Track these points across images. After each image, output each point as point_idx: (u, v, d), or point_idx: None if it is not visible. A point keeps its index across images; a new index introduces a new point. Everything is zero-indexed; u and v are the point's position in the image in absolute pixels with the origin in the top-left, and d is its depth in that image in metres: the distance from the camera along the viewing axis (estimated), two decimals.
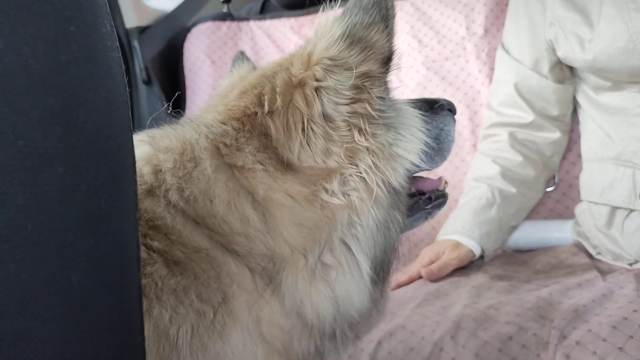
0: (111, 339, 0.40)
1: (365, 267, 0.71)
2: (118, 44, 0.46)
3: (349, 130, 0.70)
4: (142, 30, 2.16)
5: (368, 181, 0.70)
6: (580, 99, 1.60)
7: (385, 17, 0.71)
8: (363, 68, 0.70)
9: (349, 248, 0.70)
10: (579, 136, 1.66)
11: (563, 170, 1.72)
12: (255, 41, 2.28)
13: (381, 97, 0.72)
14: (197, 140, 0.69)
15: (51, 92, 0.38)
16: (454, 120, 0.94)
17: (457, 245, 1.49)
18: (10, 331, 0.32)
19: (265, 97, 0.72)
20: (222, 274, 0.63)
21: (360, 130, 0.70)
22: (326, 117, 0.70)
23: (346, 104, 0.70)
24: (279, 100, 0.71)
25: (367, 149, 0.70)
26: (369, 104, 0.71)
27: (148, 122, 0.80)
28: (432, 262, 1.49)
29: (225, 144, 0.69)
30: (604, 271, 1.37)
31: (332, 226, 0.68)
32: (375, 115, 0.71)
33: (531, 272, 1.47)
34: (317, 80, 0.70)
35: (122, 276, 0.42)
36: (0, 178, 0.33)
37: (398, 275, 1.52)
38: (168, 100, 2.15)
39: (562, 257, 1.51)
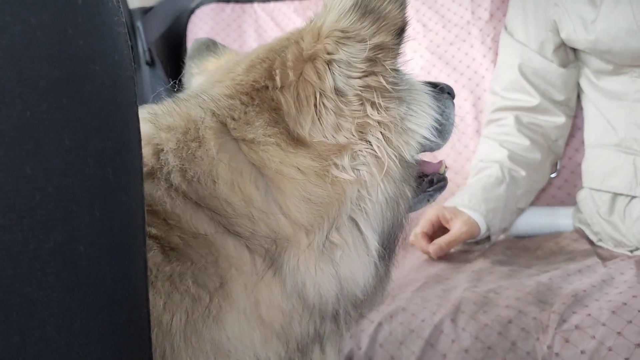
0: (118, 311, 0.40)
1: (374, 243, 0.70)
2: (124, 20, 0.46)
3: (361, 104, 0.69)
4: (145, 11, 2.15)
5: (379, 155, 0.69)
6: (583, 84, 1.60)
7: None
8: (376, 40, 0.68)
9: (357, 224, 0.69)
10: (582, 122, 1.66)
11: (566, 156, 1.72)
12: (259, 23, 2.27)
13: (395, 70, 0.71)
14: (203, 119, 0.67)
15: (57, 63, 0.38)
16: (454, 105, 0.93)
17: (467, 219, 1.48)
18: (19, 298, 0.32)
19: (277, 71, 0.70)
20: (221, 258, 0.62)
21: (373, 104, 0.69)
22: (338, 92, 0.68)
23: (359, 77, 0.68)
24: (291, 74, 0.69)
25: (380, 123, 0.69)
26: (383, 76, 0.69)
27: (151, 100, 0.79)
28: (438, 220, 1.49)
29: (233, 118, 0.68)
30: (604, 257, 1.37)
31: (341, 202, 0.67)
32: (390, 88, 0.70)
33: (532, 257, 1.48)
34: (328, 53, 0.68)
35: (128, 249, 0.42)
36: (9, 148, 0.33)
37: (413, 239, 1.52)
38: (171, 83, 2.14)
39: (563, 243, 1.52)
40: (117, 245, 0.41)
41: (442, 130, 0.87)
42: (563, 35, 1.52)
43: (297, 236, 0.65)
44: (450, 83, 1.89)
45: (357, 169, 0.69)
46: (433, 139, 0.76)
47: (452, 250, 1.52)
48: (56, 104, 0.37)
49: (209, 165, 0.64)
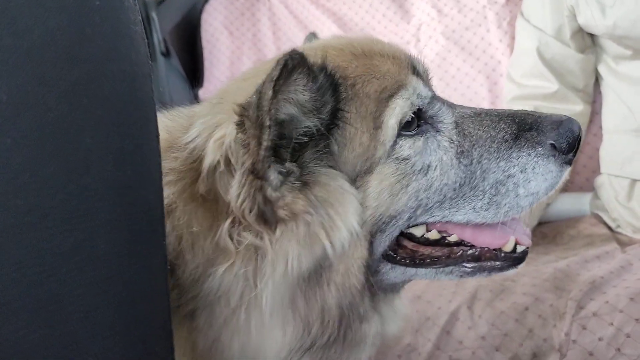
0: (139, 304, 0.42)
1: (278, 334, 0.63)
2: (140, 18, 0.47)
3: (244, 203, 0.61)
4: (160, 1, 2.16)
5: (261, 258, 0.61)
6: (601, 69, 1.57)
7: (259, 124, 0.57)
8: (246, 163, 0.60)
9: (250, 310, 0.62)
10: (600, 107, 1.63)
11: (584, 141, 1.69)
12: (272, 12, 2.27)
13: (268, 200, 0.61)
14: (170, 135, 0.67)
15: (77, 64, 0.39)
16: (558, 165, 0.73)
17: None
18: (46, 294, 0.34)
19: (193, 140, 0.65)
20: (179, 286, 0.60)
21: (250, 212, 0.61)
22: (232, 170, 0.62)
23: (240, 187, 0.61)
24: (201, 139, 0.64)
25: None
26: (258, 194, 0.60)
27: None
28: None
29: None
30: (624, 243, 1.36)
31: (213, 271, 0.61)
32: (256, 213, 0.61)
33: (550, 244, 1.47)
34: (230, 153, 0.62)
35: (148, 243, 0.43)
36: (33, 149, 0.34)
37: None
38: (186, 72, 2.16)
39: (581, 227, 1.51)
40: (136, 239, 0.42)
41: (496, 202, 0.71)
42: (580, 20, 1.50)
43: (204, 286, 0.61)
44: (466, 69, 1.88)
45: (246, 246, 0.61)
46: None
47: None
48: (77, 105, 0.38)
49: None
